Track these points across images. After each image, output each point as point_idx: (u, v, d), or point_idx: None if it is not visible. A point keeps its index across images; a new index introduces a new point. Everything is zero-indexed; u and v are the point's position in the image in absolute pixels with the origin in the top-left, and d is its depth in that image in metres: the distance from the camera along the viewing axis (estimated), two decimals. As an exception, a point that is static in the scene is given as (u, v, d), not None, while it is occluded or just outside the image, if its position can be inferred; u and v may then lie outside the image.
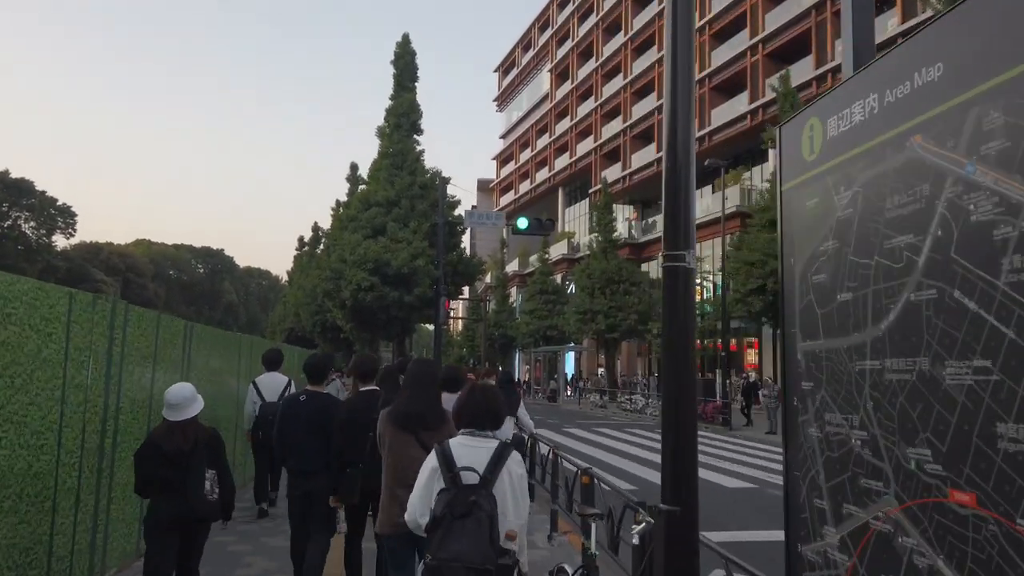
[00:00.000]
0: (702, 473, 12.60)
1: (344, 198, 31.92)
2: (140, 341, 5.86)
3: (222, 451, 4.51)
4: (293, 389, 8.05)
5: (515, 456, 3.20)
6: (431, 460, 3.15)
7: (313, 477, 5.02)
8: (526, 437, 10.08)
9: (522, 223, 19.36)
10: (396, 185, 24.62)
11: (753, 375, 31.52)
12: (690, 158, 3.53)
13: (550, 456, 7.66)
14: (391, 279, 23.29)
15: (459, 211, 25.64)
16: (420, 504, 3.08)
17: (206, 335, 7.73)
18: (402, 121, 25.41)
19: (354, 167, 31.17)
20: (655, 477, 11.63)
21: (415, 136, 25.83)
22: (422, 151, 26.45)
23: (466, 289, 42.81)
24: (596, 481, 5.66)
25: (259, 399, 7.96)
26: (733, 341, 35.76)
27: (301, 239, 49.75)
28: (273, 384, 8.09)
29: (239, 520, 7.72)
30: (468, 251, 26.05)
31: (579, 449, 16.03)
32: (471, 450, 3.14)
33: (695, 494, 3.30)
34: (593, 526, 4.28)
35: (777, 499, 9.62)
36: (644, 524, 3.52)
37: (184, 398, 4.29)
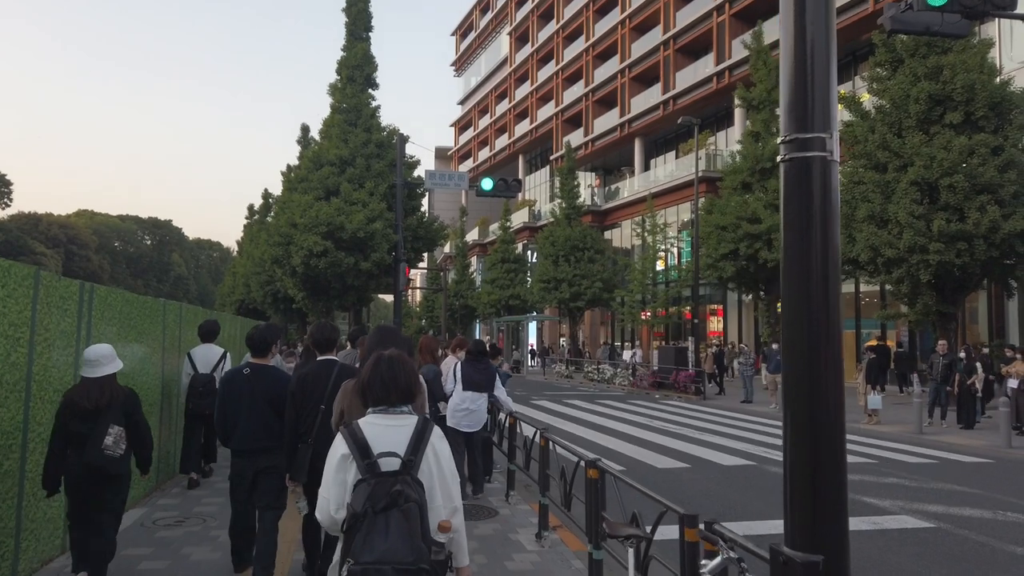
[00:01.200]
0: (690, 448, 11.86)
1: (296, 163, 29.95)
2: (10, 307, 4.45)
3: (136, 408, 4.59)
4: (229, 364, 7.94)
5: (438, 432, 2.71)
6: (338, 446, 2.64)
7: (259, 457, 4.76)
8: (495, 417, 8.87)
9: (487, 184, 18.07)
10: (350, 143, 22.75)
11: (732, 344, 30.78)
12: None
13: (537, 440, 6.43)
14: (346, 244, 21.59)
15: (419, 172, 24.04)
16: (334, 499, 2.58)
17: (115, 301, 6.28)
18: (355, 74, 23.50)
19: (305, 129, 29.25)
20: (646, 456, 10.58)
21: (370, 91, 23.90)
22: (378, 107, 24.54)
23: (425, 257, 41.34)
24: (612, 479, 4.42)
25: (192, 371, 7.91)
26: (689, 309, 35.09)
27: (251, 207, 47.34)
28: (208, 356, 8.03)
29: (161, 526, 6.36)
30: (428, 214, 24.40)
31: (553, 423, 14.93)
32: (387, 430, 2.64)
33: (845, 535, 2.09)
34: (630, 551, 3.07)
35: (780, 478, 8.82)
36: (721, 559, 2.32)
37: (101, 355, 4.53)
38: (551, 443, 6.09)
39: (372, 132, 23.01)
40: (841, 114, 25.00)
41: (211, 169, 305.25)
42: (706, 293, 36.02)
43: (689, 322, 38.06)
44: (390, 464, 2.53)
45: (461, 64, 74.68)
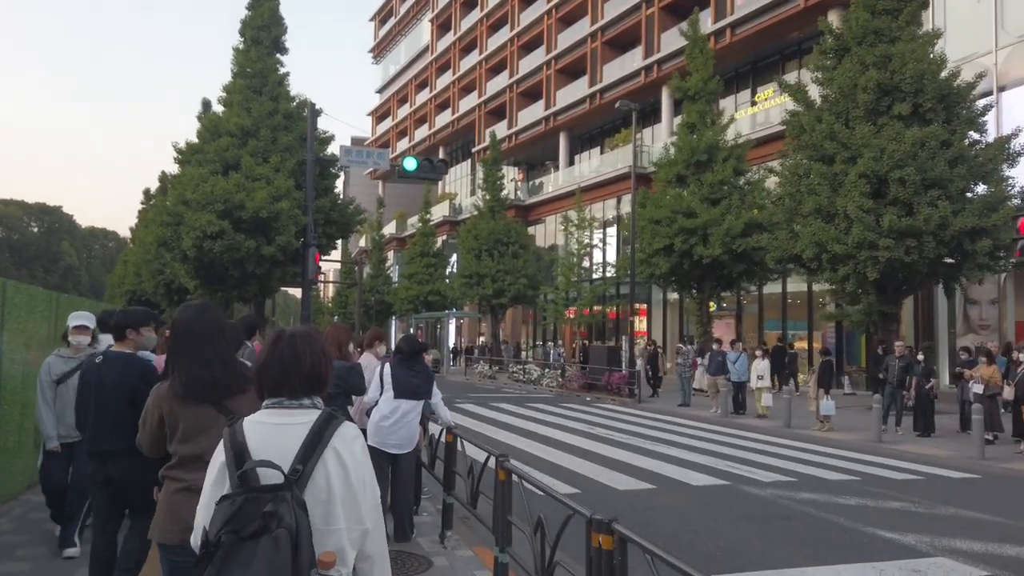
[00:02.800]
0: (648, 462, 9.85)
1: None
2: None
3: None
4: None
5: (346, 430, 2.03)
6: (218, 452, 2.06)
7: (114, 459, 4.00)
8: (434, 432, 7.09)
9: (410, 164, 16.19)
10: (254, 112, 20.02)
11: (652, 343, 29.77)
12: None
13: (492, 468, 4.69)
14: (246, 225, 18.77)
15: (333, 149, 21.74)
16: (208, 516, 1.94)
17: None
18: (261, 35, 20.77)
19: (206, 104, 26.30)
20: (601, 474, 8.98)
21: (278, 55, 21.36)
22: (287, 73, 21.99)
23: (339, 247, 38.77)
24: (633, 547, 2.72)
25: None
26: (614, 309, 34.09)
27: (147, 192, 43.12)
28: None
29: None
30: (343, 196, 21.96)
31: (482, 431, 13.22)
32: (276, 430, 2.03)
33: None
34: None
35: (769, 503, 7.45)
36: None
37: None
38: (515, 478, 4.34)
39: (280, 101, 20.41)
40: (785, 104, 24.35)
41: (107, 155, 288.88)
42: (628, 292, 35.10)
43: (612, 321, 37.26)
44: (271, 476, 1.92)
45: (380, 50, 72.02)
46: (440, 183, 55.64)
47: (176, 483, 2.90)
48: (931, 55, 17.12)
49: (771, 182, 23.89)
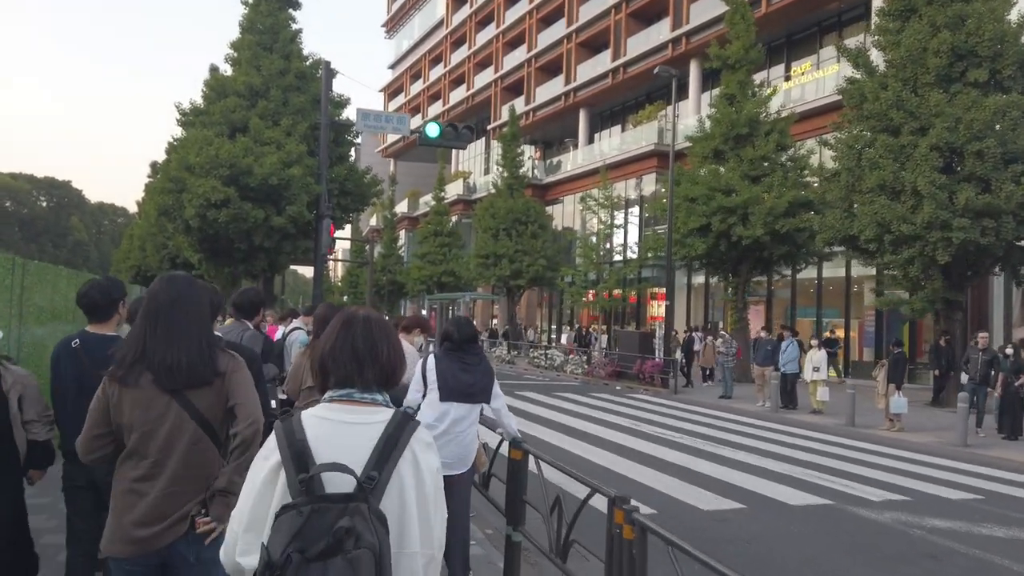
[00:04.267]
0: (725, 473, 8.05)
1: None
2: None
3: None
4: None
5: (423, 435, 1.77)
6: (270, 451, 1.72)
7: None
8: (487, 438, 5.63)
9: (432, 130, 14.75)
10: (264, 70, 18.31)
11: (706, 331, 28.27)
12: None
13: (599, 510, 3.24)
14: (254, 193, 17.19)
15: (349, 114, 20.13)
16: (249, 531, 1.68)
17: None
18: (272, -13, 19.23)
19: (214, 69, 24.74)
20: (675, 487, 7.50)
21: (290, 10, 19.79)
22: (299, 31, 20.27)
23: (350, 225, 37.35)
24: None
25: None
26: (634, 293, 32.60)
27: (154, 164, 41.42)
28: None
29: None
30: (357, 164, 20.30)
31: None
32: (344, 429, 1.72)
33: None
34: None
35: (900, 535, 5.96)
36: None
37: None
38: (642, 533, 2.89)
39: (292, 60, 18.69)
40: (820, 79, 22.71)
41: (117, 130, 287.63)
42: (651, 275, 33.63)
43: (632, 306, 35.77)
44: (339, 483, 1.61)
45: (393, 25, 70.12)
46: (453, 161, 54.11)
47: (118, 483, 2.59)
48: (1009, 16, 15.47)
49: (818, 158, 22.37)
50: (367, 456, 1.69)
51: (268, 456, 1.73)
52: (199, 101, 18.82)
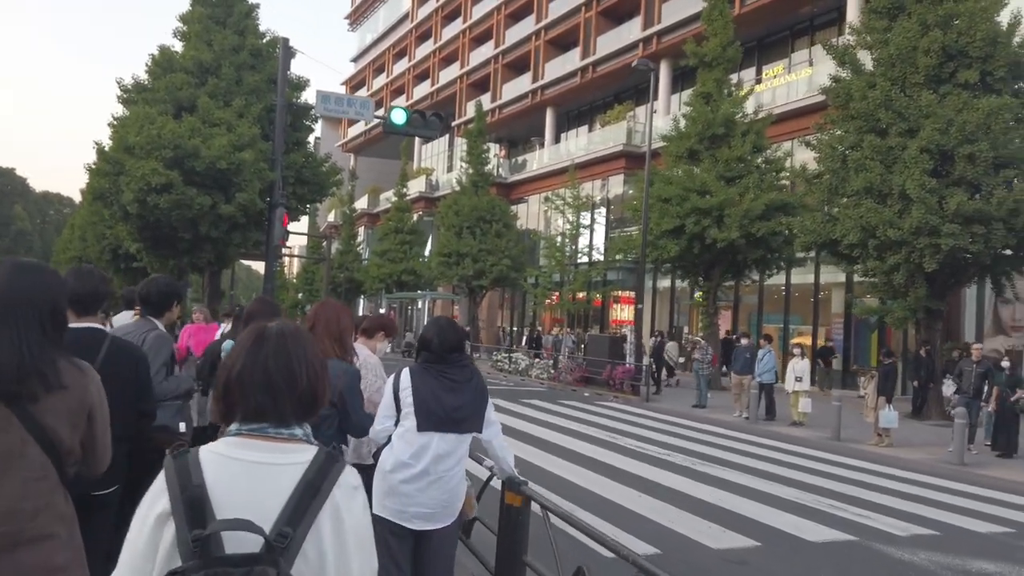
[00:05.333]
0: (731, 500, 6.95)
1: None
2: None
3: None
4: None
5: (348, 478, 1.48)
6: (156, 496, 1.42)
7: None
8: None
9: (398, 116, 13.65)
10: (215, 46, 16.96)
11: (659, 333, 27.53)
12: None
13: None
14: (200, 177, 15.66)
15: (308, 97, 18.77)
16: None
17: None
18: (226, -47, 17.71)
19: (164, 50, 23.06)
20: (676, 519, 6.52)
21: (246, -17, 18.36)
22: (256, 5, 18.80)
23: (306, 219, 35.92)
24: None
25: None
26: (599, 296, 31.85)
27: (98, 145, 38.82)
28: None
29: None
30: (316, 151, 18.83)
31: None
32: (253, 473, 1.43)
33: None
34: None
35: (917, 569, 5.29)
36: None
37: None
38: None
39: (246, 36, 17.27)
40: (817, 73, 22.07)
41: (65, 117, 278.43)
42: (616, 278, 32.95)
43: (596, 309, 35.03)
44: (243, 541, 1.34)
45: (357, 17, 68.53)
46: (415, 158, 52.89)
47: None
48: (999, 17, 15.00)
49: (791, 161, 21.83)
50: (280, 507, 1.41)
51: (153, 503, 1.42)
52: (144, 77, 17.35)
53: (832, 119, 16.76)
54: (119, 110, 16.96)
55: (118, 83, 16.91)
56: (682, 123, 22.53)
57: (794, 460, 10.54)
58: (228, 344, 5.87)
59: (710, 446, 11.48)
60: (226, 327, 6.00)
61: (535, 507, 3.41)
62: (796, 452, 11.38)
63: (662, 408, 16.45)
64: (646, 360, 18.41)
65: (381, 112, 15.07)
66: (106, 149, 17.03)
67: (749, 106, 22.19)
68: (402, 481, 3.23)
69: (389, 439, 3.39)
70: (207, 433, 4.42)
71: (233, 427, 1.50)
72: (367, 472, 3.80)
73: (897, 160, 14.57)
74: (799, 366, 13.94)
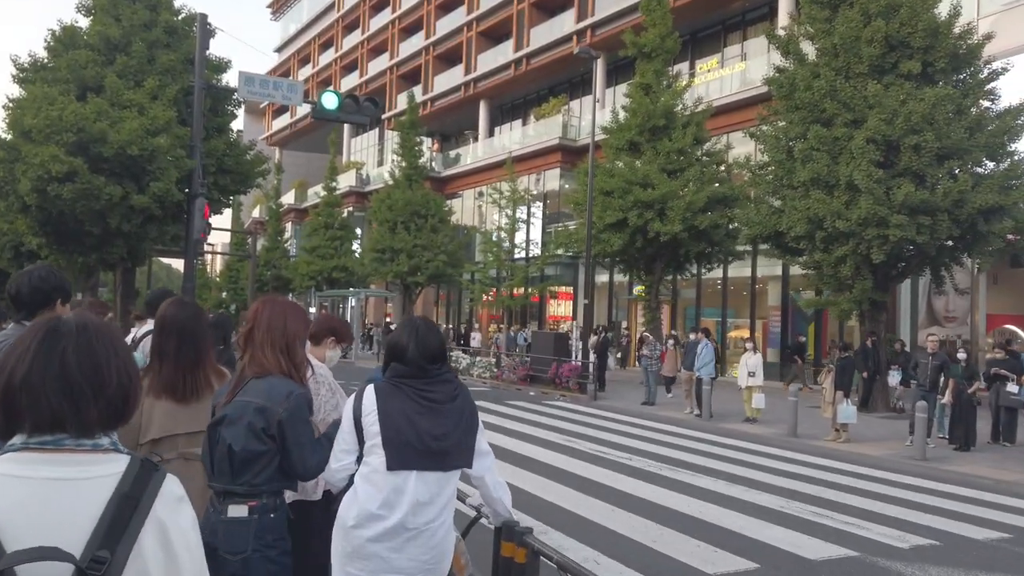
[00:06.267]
0: (712, 512, 6.44)
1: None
2: None
3: None
4: None
5: (170, 487, 1.30)
6: None
7: None
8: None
9: (330, 101, 12.75)
10: (124, 21, 15.32)
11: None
12: None
13: None
14: (109, 165, 14.17)
15: (231, 79, 17.33)
16: None
17: None
18: (132, -80, 16.04)
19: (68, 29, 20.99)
20: (658, 535, 5.86)
21: (158, -48, 16.74)
22: None
23: (230, 210, 34.23)
24: None
25: None
26: (535, 292, 31.33)
27: None
28: None
29: None
30: (239, 138, 17.38)
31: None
32: (50, 491, 1.22)
33: None
34: None
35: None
36: None
37: None
38: None
39: (160, 11, 15.82)
40: (770, 57, 21.89)
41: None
42: (554, 273, 32.51)
43: (535, 305, 34.52)
44: (47, 574, 1.15)
45: (279, 7, 66.15)
46: (344, 151, 51.35)
47: None
48: (938, 9, 15.03)
49: (736, 152, 21.70)
50: (91, 528, 1.19)
51: None
52: (42, 55, 15.68)
53: (776, 110, 16.55)
54: (14, 91, 15.32)
55: (13, 61, 15.18)
56: (621, 115, 22.14)
57: (759, 460, 10.13)
58: (139, 355, 4.92)
59: (670, 447, 10.97)
60: (139, 331, 5.01)
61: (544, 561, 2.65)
62: (758, 451, 10.99)
63: (611, 406, 15.95)
64: (592, 357, 17.89)
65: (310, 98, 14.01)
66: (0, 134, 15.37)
67: (688, 98, 21.97)
68: (371, 539, 2.44)
69: (350, 481, 2.59)
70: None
71: (17, 440, 1.26)
72: (313, 511, 3.00)
73: (843, 151, 14.41)
74: (752, 360, 13.62)
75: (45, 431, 1.25)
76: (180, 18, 16.34)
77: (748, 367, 13.58)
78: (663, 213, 19.64)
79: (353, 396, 2.65)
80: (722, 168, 21.21)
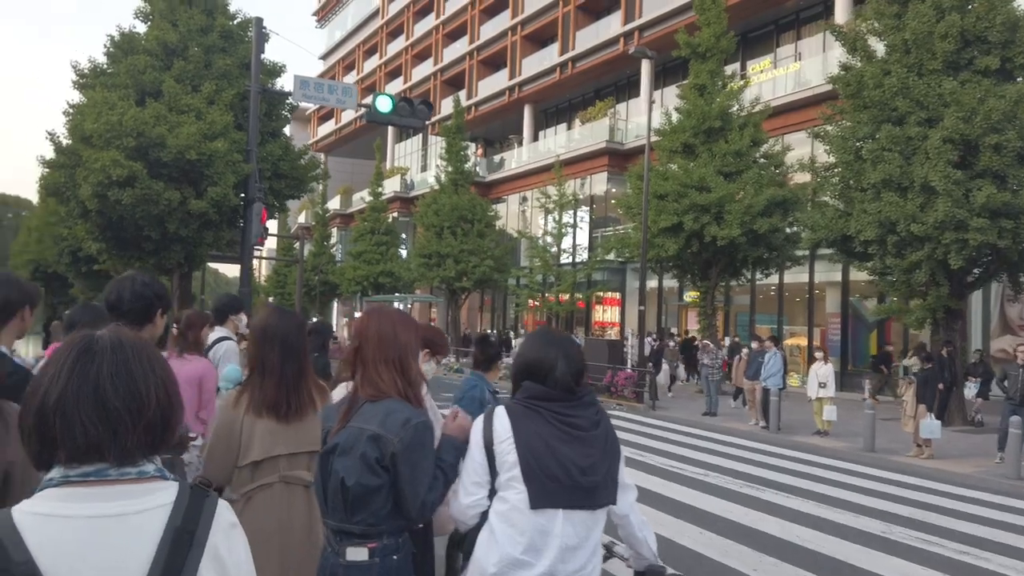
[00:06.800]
0: (794, 534, 5.98)
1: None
2: None
3: None
4: None
5: (223, 517, 1.23)
6: None
7: None
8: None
9: (384, 104, 12.61)
10: (182, 26, 15.48)
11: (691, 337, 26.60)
12: None
13: None
14: (167, 170, 14.22)
15: (284, 83, 17.29)
16: None
17: None
18: (191, -73, 16.07)
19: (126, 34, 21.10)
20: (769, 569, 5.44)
21: (215, -41, 16.78)
22: None
23: (280, 215, 34.53)
24: None
25: None
26: (581, 297, 30.85)
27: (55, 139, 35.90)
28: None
29: None
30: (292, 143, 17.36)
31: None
32: (96, 531, 1.12)
33: None
34: None
35: None
36: None
37: None
38: None
39: (216, 16, 15.90)
40: (827, 56, 21.21)
41: (23, 118, 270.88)
42: (601, 279, 32.02)
43: (580, 311, 34.06)
44: None
45: (324, 14, 66.92)
46: (388, 158, 51.58)
47: None
48: (1019, 2, 14.29)
49: (793, 155, 21.03)
50: (145, 571, 1.11)
51: None
52: (102, 60, 15.82)
53: (842, 109, 15.92)
54: (75, 97, 15.45)
55: (73, 67, 15.36)
56: (675, 116, 21.64)
57: (841, 478, 9.61)
58: (222, 355, 4.68)
59: (743, 462, 10.49)
60: (210, 337, 4.73)
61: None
62: (837, 467, 10.44)
63: (671, 417, 15.47)
64: (670, 368, 17.29)
65: (350, 118, 13.87)
66: (61, 139, 15.59)
67: (745, 99, 21.37)
68: None
69: (484, 517, 2.26)
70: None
71: (55, 474, 1.15)
72: (416, 540, 2.67)
73: (917, 151, 13.75)
74: (822, 371, 13.03)
75: (83, 460, 1.16)
76: (235, 23, 16.39)
77: (819, 377, 13.00)
78: (720, 217, 19.10)
79: (480, 419, 2.32)
80: (780, 170, 20.57)
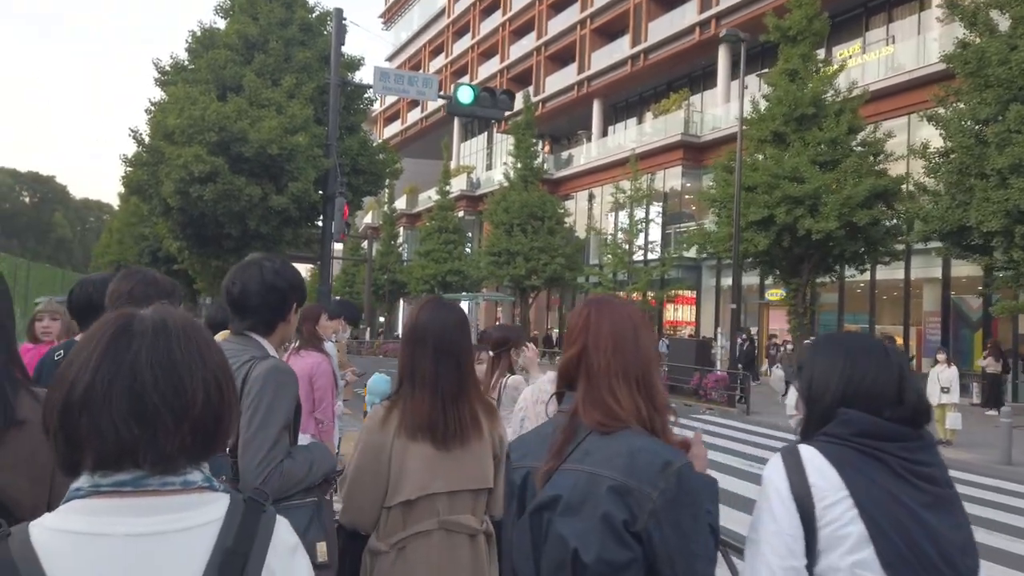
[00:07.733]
0: None
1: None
2: None
3: None
4: None
5: (280, 537, 1.04)
6: None
7: None
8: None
9: (465, 95, 12.16)
10: (262, 20, 15.29)
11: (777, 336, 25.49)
12: None
13: None
14: (248, 165, 13.93)
15: (362, 77, 16.96)
16: None
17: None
18: (269, -79, 15.95)
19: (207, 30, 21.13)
20: None
21: (295, -49, 16.58)
22: None
23: (363, 205, 34.44)
24: None
25: None
26: (653, 295, 29.74)
27: (136, 133, 36.44)
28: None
29: None
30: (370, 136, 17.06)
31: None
32: (131, 552, 0.96)
33: None
34: None
35: None
36: None
37: None
38: None
39: (295, 9, 15.67)
40: (953, 31, 19.86)
41: (107, 126, 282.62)
42: (676, 276, 30.90)
43: (653, 309, 32.97)
44: None
45: (391, 16, 67.37)
46: (454, 157, 51.44)
47: None
48: None
49: (894, 142, 19.67)
50: None
51: None
52: (183, 57, 15.75)
53: (957, 90, 14.65)
54: (156, 95, 15.43)
55: (155, 64, 15.32)
56: (763, 104, 20.51)
57: (989, 496, 8.54)
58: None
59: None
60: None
61: None
62: (978, 483, 9.35)
63: (765, 422, 14.46)
64: (784, 374, 16.22)
65: (417, 118, 13.25)
66: (144, 137, 15.59)
67: (840, 84, 20.09)
68: None
69: None
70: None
71: (84, 482, 0.99)
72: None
73: (1051, 132, 12.46)
74: (944, 375, 11.87)
75: (115, 467, 0.99)
76: (314, 16, 16.12)
77: (941, 382, 11.84)
78: (815, 209, 17.93)
79: (778, 462, 1.59)
80: (881, 157, 19.25)
